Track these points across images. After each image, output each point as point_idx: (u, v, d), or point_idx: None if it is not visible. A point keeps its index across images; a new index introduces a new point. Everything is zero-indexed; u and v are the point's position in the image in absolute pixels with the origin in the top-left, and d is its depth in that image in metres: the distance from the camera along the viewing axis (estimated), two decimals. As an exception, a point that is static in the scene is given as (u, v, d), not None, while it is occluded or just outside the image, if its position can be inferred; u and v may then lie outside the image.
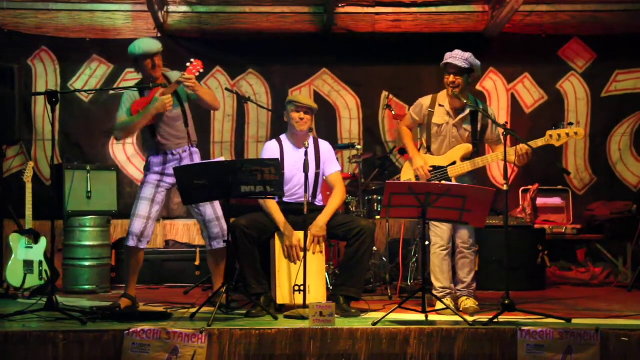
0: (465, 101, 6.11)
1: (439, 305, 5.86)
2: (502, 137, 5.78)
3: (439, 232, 6.21)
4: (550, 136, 5.97)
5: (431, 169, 6.26)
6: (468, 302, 6.09)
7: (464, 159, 6.21)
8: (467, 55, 6.15)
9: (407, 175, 6.43)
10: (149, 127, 6.14)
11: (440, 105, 6.32)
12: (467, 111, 6.23)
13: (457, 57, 6.13)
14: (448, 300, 6.08)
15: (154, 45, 6.11)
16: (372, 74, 9.44)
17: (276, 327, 5.02)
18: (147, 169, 6.24)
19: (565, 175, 9.19)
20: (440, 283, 6.20)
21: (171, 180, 6.14)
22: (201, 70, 6.05)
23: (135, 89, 6.18)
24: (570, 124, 5.99)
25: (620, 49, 9.37)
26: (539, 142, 5.94)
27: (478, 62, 6.21)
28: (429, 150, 6.37)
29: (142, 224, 6.03)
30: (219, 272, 6.29)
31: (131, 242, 6.05)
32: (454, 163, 6.22)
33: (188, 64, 5.97)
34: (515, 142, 6.08)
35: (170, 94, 6.03)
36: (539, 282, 7.96)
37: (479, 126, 6.26)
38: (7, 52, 8.91)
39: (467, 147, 6.22)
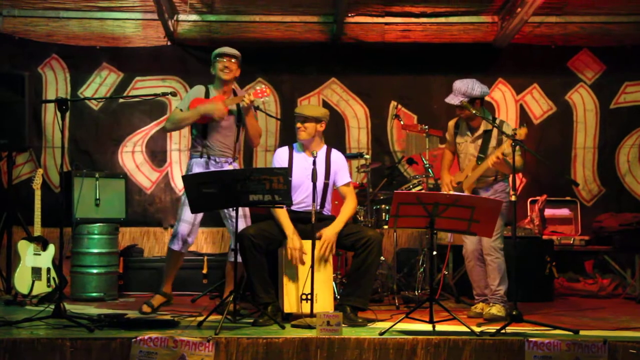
0: (473, 111, 6.20)
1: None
2: (510, 148, 5.83)
3: (464, 246, 6.56)
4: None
5: (456, 185, 6.55)
6: (492, 309, 6.22)
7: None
8: (464, 88, 6.32)
9: None
10: (202, 127, 6.38)
11: (460, 126, 6.61)
12: (481, 130, 6.42)
13: (455, 95, 6.35)
14: (481, 306, 6.37)
15: (230, 49, 6.51)
16: (381, 84, 9.45)
17: (283, 336, 5.02)
18: (189, 171, 6.43)
19: (574, 187, 9.19)
20: (474, 290, 6.60)
21: None
22: (267, 98, 6.42)
23: (144, 97, 6.24)
24: (522, 126, 6.02)
25: (630, 60, 9.37)
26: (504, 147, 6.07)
27: (477, 91, 6.33)
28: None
29: (188, 229, 6.33)
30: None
31: (176, 246, 6.37)
32: (466, 177, 6.45)
33: (257, 87, 6.33)
34: (524, 153, 6.17)
35: (231, 104, 6.33)
36: (546, 293, 7.95)
37: (494, 143, 6.38)
38: (17, 60, 8.97)
39: (474, 162, 6.42)
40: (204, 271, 8.14)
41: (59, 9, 8.85)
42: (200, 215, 6.35)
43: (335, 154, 6.42)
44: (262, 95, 6.31)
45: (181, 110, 6.42)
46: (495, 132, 6.37)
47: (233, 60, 6.46)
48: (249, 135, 6.49)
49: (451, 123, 6.72)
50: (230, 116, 6.39)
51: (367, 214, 7.54)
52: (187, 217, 6.28)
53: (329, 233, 5.99)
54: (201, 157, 6.40)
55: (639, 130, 9.37)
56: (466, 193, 6.30)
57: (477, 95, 6.34)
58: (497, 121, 6.42)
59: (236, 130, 6.46)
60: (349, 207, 6.24)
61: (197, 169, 6.36)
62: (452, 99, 6.37)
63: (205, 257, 8.20)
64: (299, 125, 6.25)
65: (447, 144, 6.84)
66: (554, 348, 4.90)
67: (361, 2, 8.80)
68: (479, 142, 6.43)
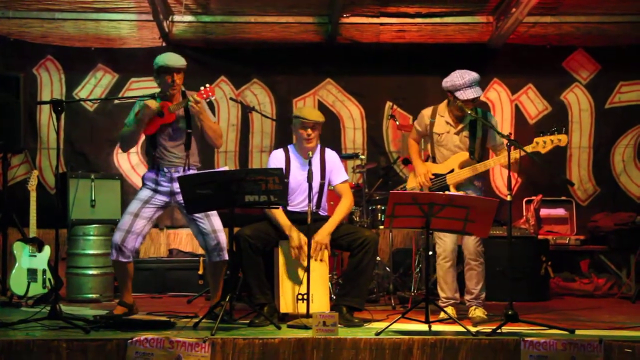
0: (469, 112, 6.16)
1: (442, 315, 5.87)
2: (505, 147, 5.82)
3: (442, 244, 6.29)
4: (537, 143, 6.01)
5: (433, 177, 6.36)
6: (476, 312, 6.15)
7: (462, 166, 6.28)
8: (478, 77, 6.18)
9: (412, 184, 6.58)
10: (150, 138, 6.13)
11: (440, 116, 6.41)
12: (467, 120, 6.30)
13: (475, 87, 6.16)
14: (450, 310, 6.14)
15: (177, 61, 6.05)
16: (376, 84, 9.46)
17: (279, 337, 5.02)
18: (142, 183, 6.23)
19: (569, 186, 9.20)
20: (444, 293, 6.31)
21: (164, 198, 6.11)
22: (212, 97, 6.00)
23: (141, 99, 6.16)
24: (556, 130, 6.00)
25: (625, 60, 9.39)
26: (526, 150, 5.94)
27: (449, 83, 6.20)
28: (434, 159, 6.48)
29: (122, 237, 5.99)
30: (216, 285, 6.26)
31: (112, 256, 6.07)
32: (452, 171, 6.31)
33: (202, 88, 5.93)
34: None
35: (176, 110, 6.01)
36: (542, 293, 7.96)
37: (480, 134, 6.30)
38: (12, 61, 8.96)
39: (464, 155, 6.29)
40: (200, 272, 8.13)
41: (53, 10, 8.84)
42: (140, 225, 6.02)
43: (330, 153, 6.40)
44: (207, 95, 5.92)
45: (128, 126, 6.13)
46: (479, 124, 6.27)
47: (181, 73, 6.06)
48: (208, 138, 6.11)
49: (427, 112, 6.52)
50: (178, 124, 6.07)
51: (363, 215, 7.54)
52: (122, 226, 6.01)
53: (321, 236, 5.98)
54: (152, 169, 6.15)
55: (634, 130, 9.39)
56: (452, 188, 6.24)
57: (457, 87, 6.18)
58: (481, 112, 6.33)
59: (186, 137, 6.10)
60: (344, 206, 6.22)
61: (148, 183, 6.13)
62: (479, 92, 6.17)
63: (201, 258, 8.17)
64: (309, 132, 6.15)
65: (414, 134, 6.66)
66: (550, 348, 4.90)
67: (356, 2, 8.80)
68: (465, 133, 6.31)
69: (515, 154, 5.86)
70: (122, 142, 6.31)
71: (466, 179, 6.27)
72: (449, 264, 6.27)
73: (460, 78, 6.16)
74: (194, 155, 6.20)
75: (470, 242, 6.21)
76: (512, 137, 5.79)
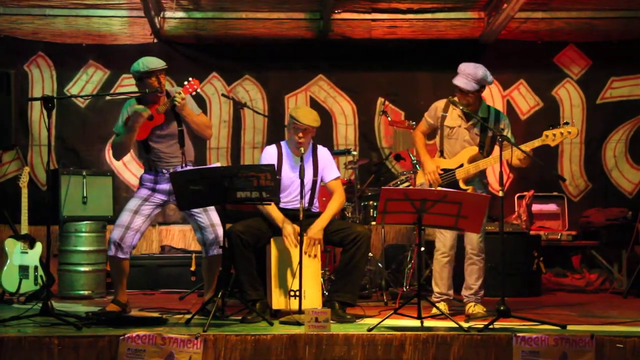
0: (473, 115, 6.15)
1: (434, 311, 5.87)
2: (497, 143, 5.81)
3: (442, 239, 6.27)
4: (547, 136, 5.97)
5: (442, 172, 6.28)
6: (476, 308, 6.12)
7: (471, 161, 6.22)
8: (480, 74, 6.10)
9: (420, 179, 6.50)
10: (142, 143, 6.14)
11: (453, 109, 6.33)
12: (480, 116, 6.23)
13: (467, 79, 6.10)
14: (442, 305, 6.13)
15: (158, 63, 6.07)
16: (368, 80, 9.46)
17: (271, 333, 5.02)
18: (140, 183, 6.24)
19: (561, 182, 9.22)
20: (439, 288, 6.28)
21: (163, 196, 6.14)
22: (197, 90, 6.05)
23: (133, 96, 6.15)
24: (566, 123, 5.99)
25: (616, 55, 9.41)
26: (535, 143, 5.97)
27: (490, 78, 6.16)
28: (442, 153, 6.40)
29: (120, 233, 5.98)
30: (211, 280, 6.26)
31: (110, 251, 6.06)
32: (461, 165, 6.23)
33: (185, 82, 5.97)
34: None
35: (165, 109, 6.03)
36: (534, 289, 7.97)
37: (490, 133, 6.23)
38: (3, 58, 8.92)
39: (474, 150, 6.23)
40: (192, 268, 8.13)
41: (44, 6, 8.79)
42: (138, 222, 6.03)
43: (322, 150, 6.40)
44: (193, 89, 5.97)
45: (117, 134, 6.14)
46: (492, 119, 6.24)
47: (163, 74, 6.09)
48: (196, 131, 6.13)
49: (440, 104, 6.40)
50: (168, 123, 6.10)
51: (355, 211, 7.54)
52: (121, 222, 6.01)
53: (314, 232, 6.00)
54: (150, 171, 6.16)
55: (625, 125, 9.42)
56: (461, 183, 6.19)
57: (489, 83, 6.18)
58: (493, 110, 6.35)
59: (179, 135, 6.13)
60: (336, 202, 6.22)
61: (146, 183, 6.14)
62: (467, 84, 6.07)
63: (194, 255, 8.20)
64: (301, 135, 6.10)
65: (423, 126, 6.55)
66: (542, 343, 4.92)
67: (348, -2, 8.81)
68: (476, 130, 6.24)
69: (522, 149, 5.86)
70: (115, 152, 6.34)
71: (475, 174, 6.23)
72: (447, 259, 6.25)
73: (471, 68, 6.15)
74: (190, 152, 6.23)
75: (474, 237, 6.19)
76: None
